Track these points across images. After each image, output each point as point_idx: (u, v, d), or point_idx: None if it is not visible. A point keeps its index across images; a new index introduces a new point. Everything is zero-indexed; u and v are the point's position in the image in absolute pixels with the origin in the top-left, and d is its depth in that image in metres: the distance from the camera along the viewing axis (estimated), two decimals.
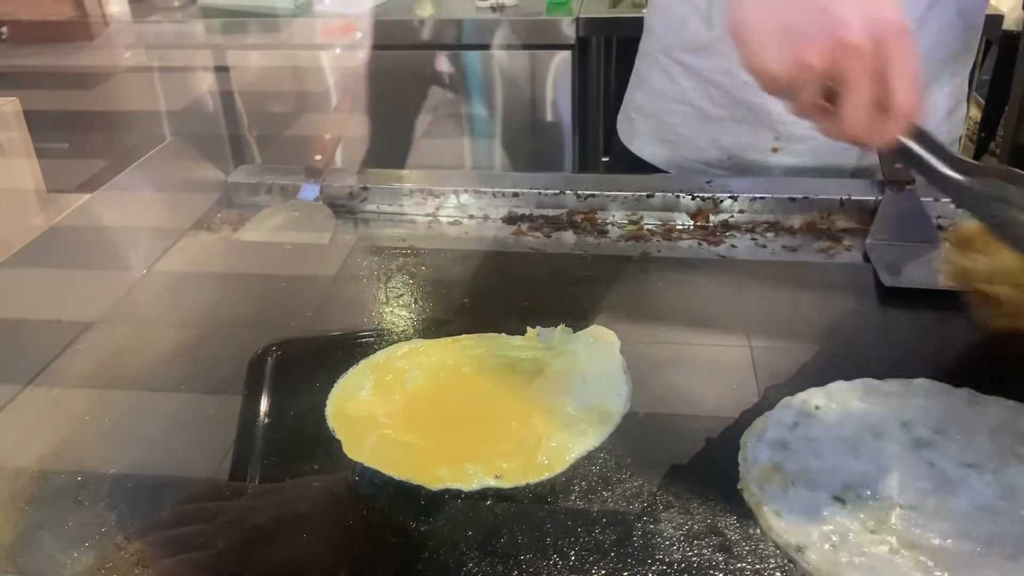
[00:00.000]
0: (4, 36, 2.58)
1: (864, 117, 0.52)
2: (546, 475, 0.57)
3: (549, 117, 2.21)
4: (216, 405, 0.68)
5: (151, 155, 0.93)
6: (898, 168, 0.88)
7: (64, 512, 0.56)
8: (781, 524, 0.52)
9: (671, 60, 0.99)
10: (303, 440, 0.62)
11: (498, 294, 0.81)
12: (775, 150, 0.96)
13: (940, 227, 0.86)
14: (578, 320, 0.73)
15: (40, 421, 0.66)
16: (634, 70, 1.07)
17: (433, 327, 0.74)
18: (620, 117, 1.10)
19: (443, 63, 2.22)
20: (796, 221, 0.90)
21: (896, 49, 0.51)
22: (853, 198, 0.89)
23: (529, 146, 2.28)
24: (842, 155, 0.95)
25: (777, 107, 0.92)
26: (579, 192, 0.93)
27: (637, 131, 1.06)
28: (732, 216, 0.91)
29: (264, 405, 0.67)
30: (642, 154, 1.05)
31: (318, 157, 0.97)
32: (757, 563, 0.50)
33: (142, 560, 0.50)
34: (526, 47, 2.07)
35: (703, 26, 0.95)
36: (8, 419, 0.67)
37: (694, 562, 0.51)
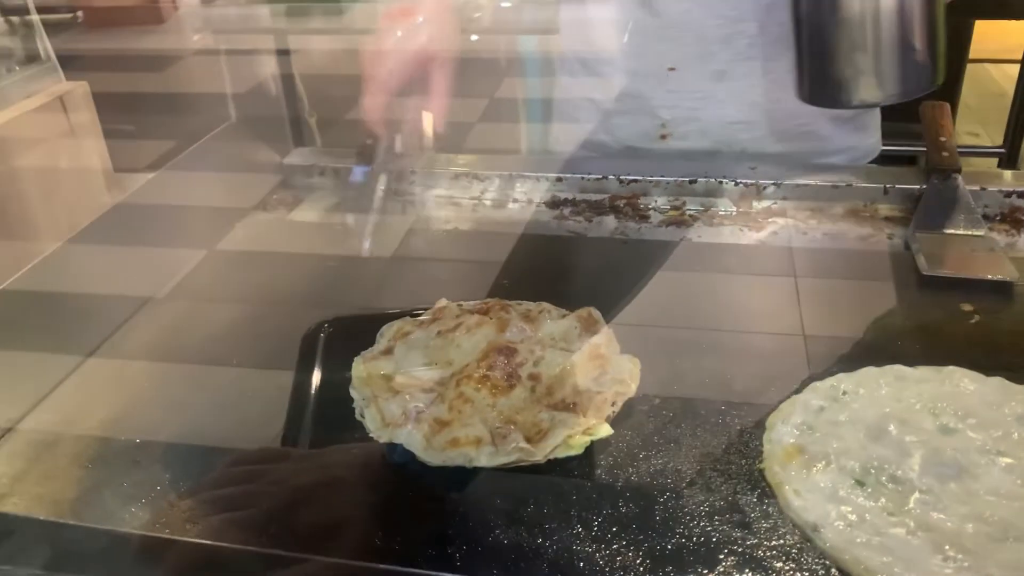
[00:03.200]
0: (79, 20, 2.68)
1: None
2: (572, 452, 0.59)
3: None
4: (268, 379, 0.72)
5: (210, 137, 0.97)
6: (944, 156, 0.88)
7: (122, 472, 0.60)
8: (799, 503, 0.53)
9: (575, 57, 1.05)
10: (348, 410, 0.65)
11: (537, 277, 0.83)
12: (663, 137, 1.00)
13: (985, 216, 0.86)
14: (610, 304, 0.74)
15: (103, 389, 0.71)
16: None
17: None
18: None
19: (500, 47, 2.24)
20: (839, 209, 0.90)
21: None
22: (898, 186, 0.89)
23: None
24: (730, 136, 0.99)
25: (659, 96, 0.99)
26: (622, 177, 0.94)
27: (552, 130, 1.12)
28: (776, 203, 0.91)
29: (315, 376, 0.70)
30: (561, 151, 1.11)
31: (369, 141, 1.00)
32: (774, 539, 0.52)
33: (192, 517, 0.54)
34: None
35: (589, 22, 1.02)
36: (74, 386, 0.71)
37: (713, 537, 0.52)
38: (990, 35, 2.80)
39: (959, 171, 0.87)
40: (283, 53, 2.49)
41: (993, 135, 2.91)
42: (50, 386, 0.70)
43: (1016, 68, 2.26)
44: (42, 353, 0.73)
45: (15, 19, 1.17)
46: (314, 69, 2.64)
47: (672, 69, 0.97)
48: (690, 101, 0.99)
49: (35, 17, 1.11)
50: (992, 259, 0.78)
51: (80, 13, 2.64)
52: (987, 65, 3.52)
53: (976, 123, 3.22)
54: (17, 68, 1.03)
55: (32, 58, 1.05)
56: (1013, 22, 2.30)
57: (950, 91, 2.24)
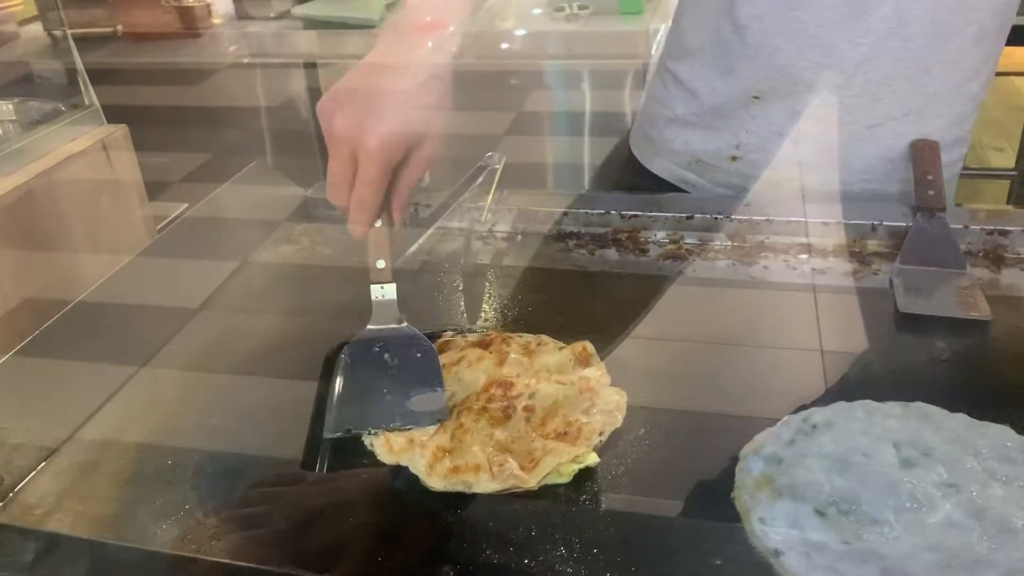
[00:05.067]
0: (119, 34, 2.78)
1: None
2: (562, 480, 0.65)
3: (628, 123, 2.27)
4: (297, 393, 0.78)
5: (239, 176, 1.04)
6: (930, 195, 0.92)
7: (155, 490, 0.66)
8: (764, 530, 0.58)
9: (664, 68, 1.09)
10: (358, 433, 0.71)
11: (541, 310, 0.88)
12: (733, 159, 1.03)
13: (968, 252, 0.90)
14: (605, 336, 0.80)
15: (144, 405, 0.78)
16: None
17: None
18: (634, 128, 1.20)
19: (520, 72, 2.31)
20: (829, 244, 0.94)
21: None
22: (885, 223, 0.93)
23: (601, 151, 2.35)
24: (795, 173, 1.02)
25: (740, 118, 1.02)
26: (623, 213, 0.99)
27: (636, 139, 1.17)
28: (768, 238, 0.96)
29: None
30: (642, 159, 1.15)
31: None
32: (738, 565, 0.57)
33: (216, 535, 0.60)
34: (599, 57, 2.13)
35: (684, 34, 1.06)
36: (115, 405, 0.78)
37: (683, 559, 0.58)
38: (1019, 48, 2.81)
39: (944, 209, 0.91)
40: (312, 68, 2.57)
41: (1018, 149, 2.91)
42: (96, 404, 0.77)
43: None
44: (93, 368, 0.81)
45: (60, 64, 1.25)
46: None
47: (756, 98, 1.00)
48: (767, 132, 1.02)
49: (79, 64, 1.19)
50: (969, 298, 0.82)
51: (120, 27, 2.75)
52: (1014, 78, 3.51)
53: (1003, 138, 3.22)
54: (63, 110, 1.12)
55: (76, 104, 1.13)
56: None
57: None
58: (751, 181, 1.04)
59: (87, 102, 1.15)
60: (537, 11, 2.29)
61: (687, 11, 1.08)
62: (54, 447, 0.71)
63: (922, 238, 0.90)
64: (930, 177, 0.94)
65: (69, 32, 1.68)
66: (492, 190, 1.03)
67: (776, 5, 0.96)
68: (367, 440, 0.69)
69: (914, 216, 0.92)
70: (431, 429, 0.68)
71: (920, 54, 0.94)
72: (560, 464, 0.65)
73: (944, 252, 0.88)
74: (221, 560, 0.57)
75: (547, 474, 0.64)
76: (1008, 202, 2.34)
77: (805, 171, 1.02)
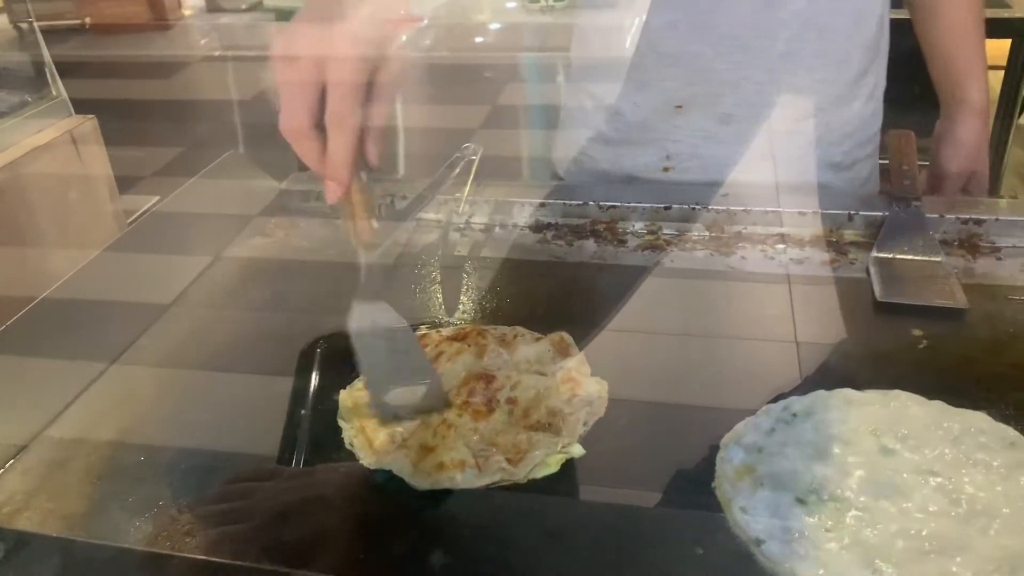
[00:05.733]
0: (87, 27, 2.74)
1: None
2: (548, 471, 0.64)
3: None
4: (272, 388, 0.77)
5: (212, 167, 1.03)
6: (905, 184, 0.92)
7: (128, 487, 0.65)
8: (745, 519, 0.58)
9: (579, 87, 1.10)
10: (336, 428, 0.70)
11: (519, 301, 0.88)
12: (666, 169, 1.04)
13: (944, 241, 0.91)
14: (584, 328, 0.79)
15: (115, 401, 0.76)
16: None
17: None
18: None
19: (495, 65, 2.30)
20: (806, 234, 0.95)
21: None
22: (861, 213, 0.93)
23: None
24: (731, 176, 1.03)
25: (665, 130, 1.03)
26: (601, 203, 0.99)
27: (560, 161, 1.16)
28: (745, 228, 0.96)
29: (310, 394, 0.76)
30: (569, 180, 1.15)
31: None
32: (720, 554, 0.57)
33: (191, 531, 0.59)
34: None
35: (596, 50, 1.07)
36: (84, 401, 0.76)
37: (668, 550, 0.57)
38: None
39: (919, 199, 0.92)
40: None
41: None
42: (66, 400, 0.75)
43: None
44: (62, 364, 0.79)
45: (27, 56, 1.23)
46: None
47: (679, 107, 1.01)
48: (695, 139, 1.03)
49: (46, 55, 1.16)
50: (945, 286, 0.82)
51: (88, 20, 2.71)
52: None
53: None
54: (29, 101, 1.09)
55: (43, 96, 1.11)
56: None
57: (935, 103, 2.28)
58: (688, 189, 1.04)
59: (54, 93, 1.12)
60: (512, 4, 2.29)
61: (597, 27, 1.08)
62: (22, 444, 0.70)
63: (898, 227, 0.91)
64: (905, 167, 0.95)
65: (36, 24, 1.64)
66: (469, 181, 1.03)
67: (688, 11, 0.97)
68: (348, 441, 0.67)
69: (890, 206, 0.92)
70: (412, 424, 0.67)
71: (837, 43, 0.97)
72: (546, 455, 0.64)
73: (920, 241, 0.89)
74: (196, 557, 0.56)
75: (534, 466, 0.64)
76: None
77: (740, 172, 1.04)
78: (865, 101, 1.04)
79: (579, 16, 1.10)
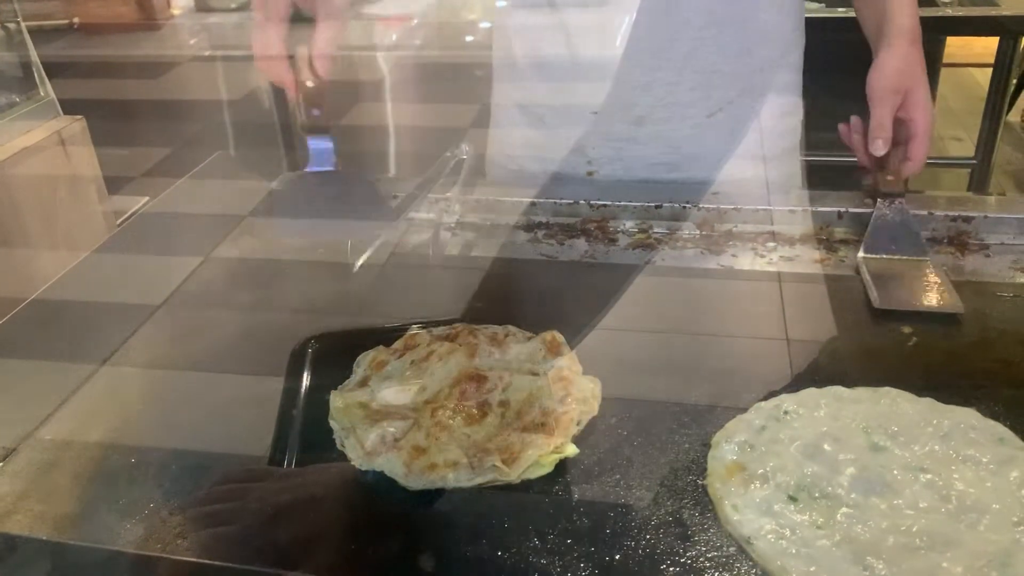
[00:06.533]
0: (75, 27, 2.73)
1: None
2: (542, 471, 0.64)
3: None
4: (263, 388, 0.77)
5: (201, 167, 1.02)
6: (889, 180, 0.92)
7: (118, 489, 0.65)
8: (736, 517, 0.58)
9: (504, 94, 1.12)
10: (328, 429, 0.70)
11: (511, 300, 0.88)
12: (590, 173, 1.07)
13: (932, 239, 0.91)
14: (575, 326, 0.79)
15: (105, 402, 0.76)
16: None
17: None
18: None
19: (485, 64, 2.30)
20: (797, 232, 0.95)
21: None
22: (850, 210, 0.94)
23: None
24: (653, 175, 1.06)
25: (584, 136, 1.06)
26: (592, 202, 0.99)
27: (492, 158, 1.17)
28: (736, 226, 0.96)
29: (302, 394, 0.75)
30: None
31: (316, 112, 0.92)
32: (711, 552, 0.57)
33: (182, 533, 0.59)
34: None
35: (516, 57, 1.08)
36: (75, 403, 0.76)
37: (657, 549, 0.57)
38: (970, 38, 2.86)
39: (903, 195, 0.92)
40: None
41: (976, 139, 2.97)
42: (56, 402, 0.75)
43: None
44: (52, 366, 0.79)
45: (15, 57, 1.22)
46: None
47: (595, 113, 1.04)
48: (614, 142, 1.06)
49: (34, 56, 1.16)
50: (940, 290, 0.82)
51: (76, 20, 2.69)
52: (972, 69, 3.57)
53: (959, 127, 3.27)
54: (17, 102, 1.09)
55: (31, 96, 1.10)
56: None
57: None
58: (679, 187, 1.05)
59: (42, 94, 1.12)
60: (502, 3, 2.28)
61: (516, 32, 1.09)
62: (11, 447, 0.69)
63: (884, 226, 0.90)
64: (889, 157, 0.94)
65: (23, 24, 1.63)
66: (460, 181, 1.03)
67: (597, 15, 1.00)
68: (339, 442, 0.67)
69: (875, 203, 0.93)
70: (404, 425, 0.67)
71: (738, 37, 0.99)
72: (540, 456, 0.64)
73: (906, 239, 0.89)
74: (188, 559, 0.56)
75: (528, 467, 0.64)
76: (969, 190, 2.38)
77: (663, 171, 1.06)
78: (778, 93, 1.05)
79: (511, 17, 1.11)
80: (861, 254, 0.88)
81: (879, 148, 0.92)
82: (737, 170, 1.05)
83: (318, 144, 0.89)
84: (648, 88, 1.02)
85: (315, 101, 0.87)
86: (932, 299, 0.82)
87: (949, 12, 2.13)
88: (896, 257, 0.87)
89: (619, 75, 1.01)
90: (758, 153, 1.05)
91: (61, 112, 1.07)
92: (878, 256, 0.88)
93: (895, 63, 0.93)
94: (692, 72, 1.00)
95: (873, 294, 0.82)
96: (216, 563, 0.55)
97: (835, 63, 1.07)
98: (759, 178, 1.05)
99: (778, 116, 1.07)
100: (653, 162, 1.06)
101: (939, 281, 0.84)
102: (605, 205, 0.99)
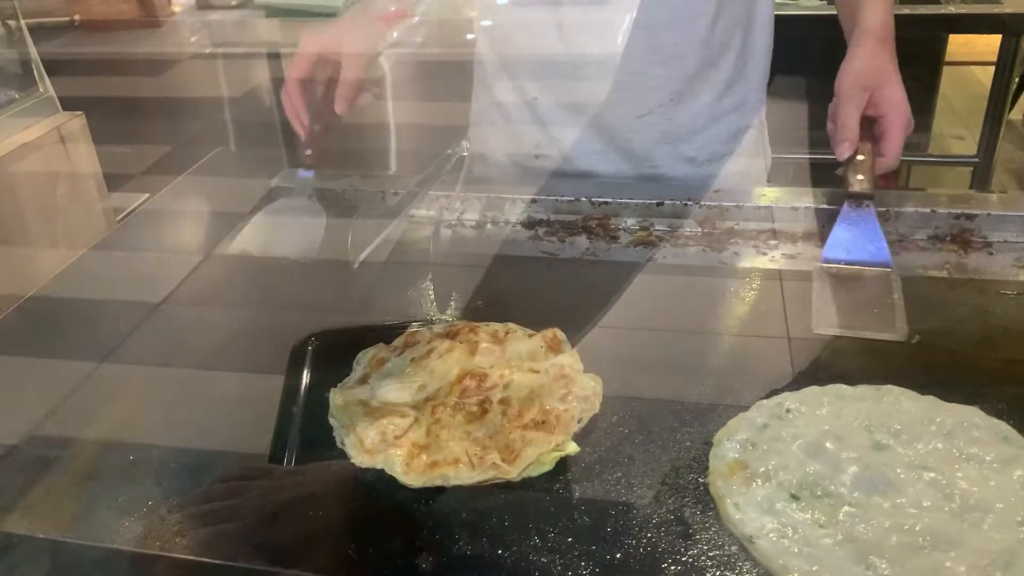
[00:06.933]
0: (76, 24, 2.71)
1: None
2: (543, 469, 0.64)
3: None
4: (263, 386, 0.76)
5: (201, 164, 1.02)
6: (859, 179, 0.90)
7: (117, 487, 0.64)
8: (738, 516, 0.58)
9: (480, 80, 1.15)
10: (328, 427, 0.70)
11: (511, 298, 0.87)
12: (537, 157, 1.10)
13: (936, 237, 0.91)
14: (576, 324, 0.79)
15: (104, 400, 0.75)
16: None
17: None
18: None
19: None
20: (798, 229, 0.94)
21: None
22: None
23: None
24: (590, 164, 1.08)
25: (528, 120, 1.09)
26: (593, 199, 0.99)
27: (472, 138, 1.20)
28: (738, 224, 0.96)
29: (302, 390, 0.75)
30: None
31: (308, 152, 1.02)
32: (713, 550, 0.57)
33: (181, 530, 0.59)
34: None
35: (482, 43, 1.13)
36: (76, 400, 0.76)
37: (659, 547, 0.57)
38: (973, 36, 2.85)
39: (872, 197, 0.89)
40: (275, 57, 2.53)
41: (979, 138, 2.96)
42: (55, 400, 0.74)
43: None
44: (50, 363, 0.78)
45: (14, 53, 1.22)
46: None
47: (535, 98, 1.07)
48: (553, 128, 1.08)
49: (34, 52, 1.15)
50: (888, 312, 0.79)
51: (77, 17, 2.68)
52: (973, 68, 3.56)
53: (961, 126, 3.26)
54: (16, 98, 1.08)
55: (30, 92, 1.10)
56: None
57: (927, 99, 2.29)
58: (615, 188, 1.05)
59: (41, 90, 1.12)
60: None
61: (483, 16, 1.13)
62: (11, 444, 0.69)
63: (848, 231, 0.87)
64: (861, 157, 0.91)
65: (23, 22, 1.62)
66: (461, 178, 1.02)
67: (533, 8, 1.03)
68: (339, 440, 0.67)
69: (842, 203, 0.90)
70: (404, 423, 0.66)
71: (669, 39, 0.99)
72: (541, 454, 0.64)
73: (870, 246, 0.86)
74: (187, 557, 0.55)
75: (528, 464, 0.63)
76: (971, 189, 2.37)
77: (598, 162, 1.07)
78: (715, 98, 1.05)
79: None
80: (819, 264, 0.86)
81: (844, 151, 0.91)
82: (676, 170, 1.07)
83: (304, 174, 1.01)
84: (579, 81, 1.04)
85: (313, 143, 1.00)
86: (874, 323, 0.78)
87: (952, 10, 2.12)
88: (855, 268, 0.85)
89: (553, 65, 1.04)
90: (695, 156, 1.07)
91: (60, 108, 1.07)
92: (836, 267, 0.85)
93: (861, 61, 0.92)
94: (623, 71, 1.02)
95: (814, 316, 0.79)
96: (215, 561, 0.54)
97: (838, 61, 1.06)
98: (703, 178, 1.07)
99: (712, 119, 1.06)
100: (588, 150, 1.07)
101: (892, 300, 0.81)
102: (606, 202, 0.99)
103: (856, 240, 0.86)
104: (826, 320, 0.80)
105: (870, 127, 0.92)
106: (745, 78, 1.06)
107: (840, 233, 0.87)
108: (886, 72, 0.92)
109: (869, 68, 0.92)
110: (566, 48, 1.03)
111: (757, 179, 1.11)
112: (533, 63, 1.06)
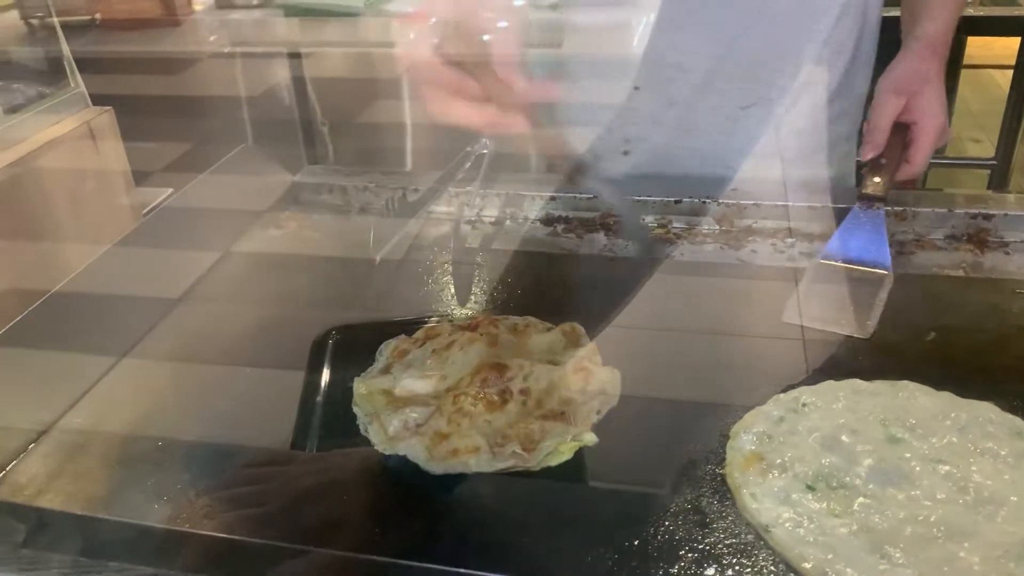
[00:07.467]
0: (97, 23, 2.74)
1: None
2: (561, 459, 0.65)
3: None
4: (283, 380, 0.78)
5: (224, 161, 1.03)
6: (875, 182, 0.90)
7: (147, 472, 0.66)
8: (754, 506, 0.59)
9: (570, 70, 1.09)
10: (354, 414, 0.71)
11: (530, 293, 0.88)
12: (626, 153, 1.05)
13: (952, 236, 0.91)
14: (594, 320, 0.80)
15: (129, 392, 0.77)
16: None
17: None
18: None
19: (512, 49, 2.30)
20: (816, 228, 0.95)
21: None
22: None
23: None
24: (676, 160, 1.04)
25: (623, 113, 1.04)
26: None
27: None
28: (756, 222, 0.97)
29: (323, 382, 0.76)
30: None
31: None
32: (729, 538, 0.58)
33: (208, 514, 0.60)
34: None
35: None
36: (103, 389, 0.77)
37: (676, 535, 0.58)
38: (991, 39, 2.84)
39: (884, 200, 0.89)
40: (295, 56, 2.55)
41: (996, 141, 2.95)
42: (81, 390, 0.76)
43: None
44: (75, 357, 0.80)
45: (44, 49, 1.24)
46: (326, 73, 2.70)
47: (637, 88, 1.02)
48: (646, 121, 1.04)
49: (65, 49, 1.17)
50: (862, 311, 0.79)
51: (98, 16, 2.71)
52: (991, 71, 3.55)
53: (979, 129, 3.25)
54: (47, 93, 1.10)
55: (61, 87, 1.12)
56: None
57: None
58: (645, 172, 1.04)
59: (72, 85, 1.14)
60: (519, 1, 2.29)
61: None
62: (41, 430, 0.71)
63: (853, 231, 0.87)
64: (884, 161, 0.91)
65: (56, 19, 1.64)
66: (480, 175, 1.03)
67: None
68: (363, 428, 0.68)
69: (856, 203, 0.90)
70: (426, 411, 0.68)
71: (788, 34, 0.96)
72: (559, 443, 0.65)
73: (873, 247, 0.86)
74: (218, 534, 0.57)
75: (547, 454, 0.65)
76: (988, 190, 2.37)
77: (690, 157, 1.04)
78: (823, 101, 1.02)
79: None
80: (819, 259, 0.86)
81: (868, 152, 0.90)
82: (770, 169, 1.03)
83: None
84: (685, 71, 0.99)
85: None
86: (844, 320, 0.79)
87: (970, 12, 2.12)
88: (854, 267, 0.85)
89: (659, 52, 0.99)
90: (792, 159, 1.03)
91: (90, 103, 1.09)
92: (834, 263, 0.85)
93: (906, 65, 0.92)
94: (733, 62, 0.97)
95: (788, 306, 0.80)
96: (252, 540, 0.56)
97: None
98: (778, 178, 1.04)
99: (813, 124, 1.03)
100: (678, 144, 1.03)
101: (874, 300, 0.81)
102: (624, 200, 0.99)
103: (859, 241, 0.86)
104: (795, 312, 0.80)
105: (903, 132, 0.92)
106: (851, 87, 1.04)
107: (845, 232, 0.88)
108: (927, 79, 0.91)
109: (910, 72, 0.92)
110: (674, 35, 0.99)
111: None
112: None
